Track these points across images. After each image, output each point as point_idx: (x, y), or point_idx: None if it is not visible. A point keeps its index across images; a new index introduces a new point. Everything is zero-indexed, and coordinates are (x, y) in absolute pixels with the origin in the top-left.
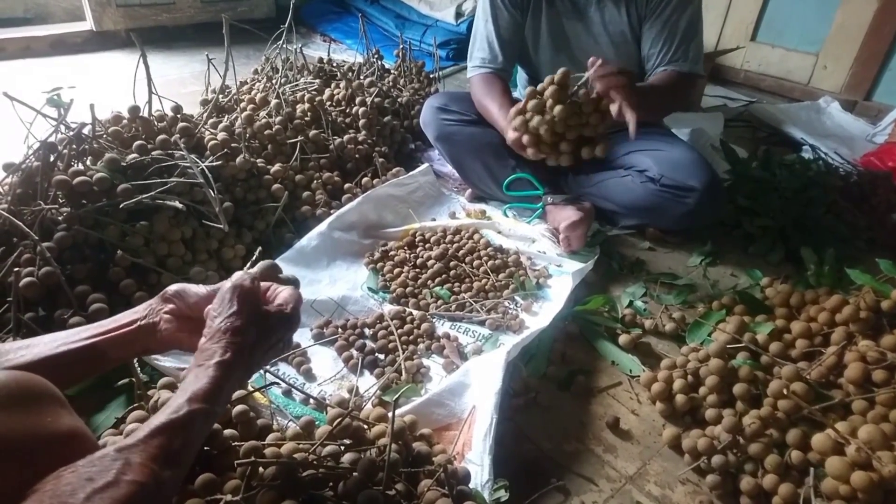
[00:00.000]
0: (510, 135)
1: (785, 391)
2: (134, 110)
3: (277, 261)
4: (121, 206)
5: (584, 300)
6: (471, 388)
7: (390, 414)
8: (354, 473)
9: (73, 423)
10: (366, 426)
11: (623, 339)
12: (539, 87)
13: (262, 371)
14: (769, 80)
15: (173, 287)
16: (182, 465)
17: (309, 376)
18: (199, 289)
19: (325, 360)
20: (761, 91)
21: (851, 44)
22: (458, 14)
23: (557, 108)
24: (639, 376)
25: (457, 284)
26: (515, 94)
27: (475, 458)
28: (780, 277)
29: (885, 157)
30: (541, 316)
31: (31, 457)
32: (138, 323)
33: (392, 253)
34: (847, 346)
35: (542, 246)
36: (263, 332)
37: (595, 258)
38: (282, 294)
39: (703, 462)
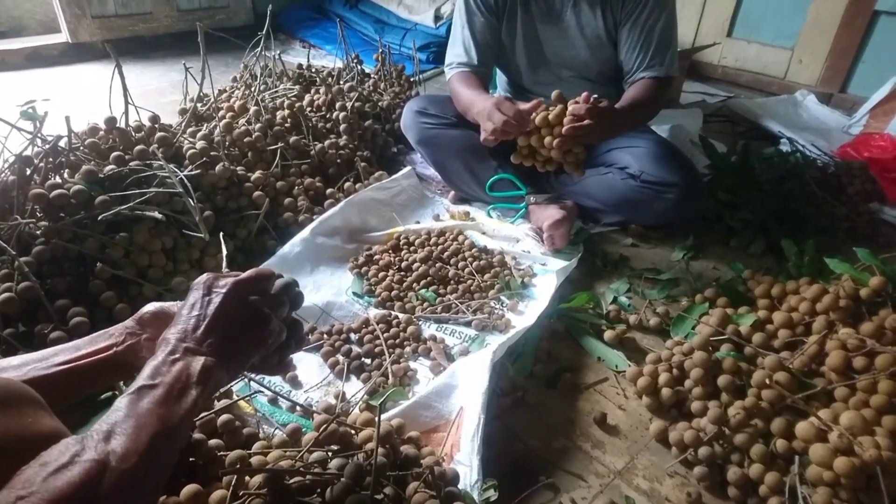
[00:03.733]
0: (488, 111)
1: (768, 381)
2: (110, 121)
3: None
4: (99, 218)
5: (569, 298)
6: (458, 389)
7: (377, 418)
8: (342, 479)
9: (54, 425)
10: (353, 431)
11: (608, 335)
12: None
13: (246, 380)
14: (746, 75)
15: (149, 309)
16: (160, 449)
17: (295, 384)
18: (175, 306)
19: (311, 367)
20: (739, 86)
21: (825, 37)
22: (437, 17)
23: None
24: (625, 371)
25: (442, 286)
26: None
27: (464, 459)
28: (761, 269)
29: (861, 147)
30: (526, 315)
31: (16, 457)
32: (114, 349)
33: (376, 257)
34: (828, 335)
35: (526, 245)
36: (234, 308)
37: (579, 256)
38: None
39: (690, 454)
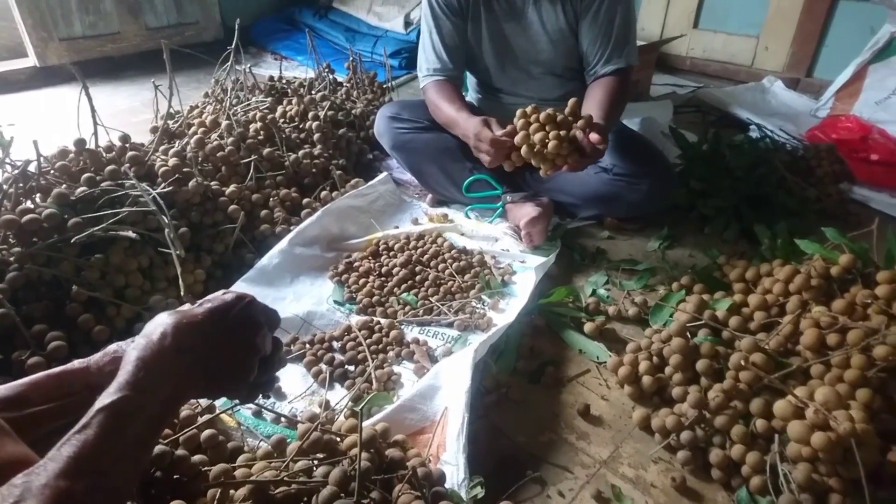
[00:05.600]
0: (472, 139)
1: (744, 363)
2: (80, 143)
3: (239, 282)
4: (73, 240)
5: (549, 293)
6: (441, 389)
7: (362, 424)
8: (327, 486)
9: (19, 450)
10: (338, 438)
11: (588, 327)
12: (532, 126)
13: None
14: (714, 64)
15: (112, 347)
16: (106, 471)
17: (279, 395)
18: (129, 344)
19: (294, 378)
20: (708, 76)
21: (788, 24)
22: (407, 23)
23: (552, 145)
24: (606, 362)
25: (423, 289)
26: (468, 99)
27: (450, 459)
28: (736, 254)
29: (829, 130)
30: (508, 313)
31: None
32: (83, 391)
33: (356, 264)
34: (801, 314)
35: (505, 244)
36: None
37: (557, 251)
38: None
39: (673, 439)
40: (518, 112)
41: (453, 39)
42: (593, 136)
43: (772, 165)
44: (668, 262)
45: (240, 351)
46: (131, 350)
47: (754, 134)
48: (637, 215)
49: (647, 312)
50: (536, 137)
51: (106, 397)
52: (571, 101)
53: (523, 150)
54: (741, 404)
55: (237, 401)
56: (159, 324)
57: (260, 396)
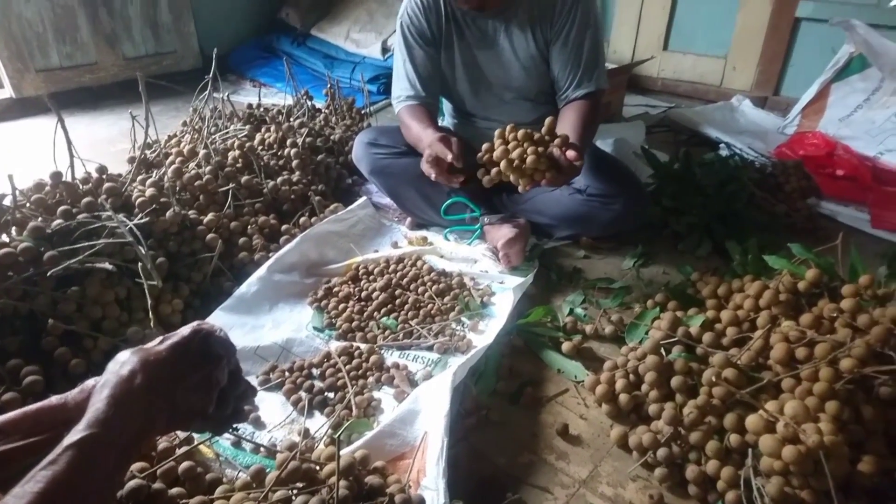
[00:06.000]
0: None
1: (715, 378)
2: (56, 176)
3: (217, 310)
4: (48, 273)
5: (527, 313)
6: (421, 414)
7: (341, 452)
8: None
9: None
10: (317, 467)
11: (566, 346)
12: (511, 143)
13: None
14: (685, 85)
15: (90, 383)
16: None
17: (258, 424)
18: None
19: (273, 406)
20: (679, 96)
21: (755, 44)
22: (385, 49)
23: (531, 159)
24: (584, 381)
25: (403, 313)
26: (443, 124)
27: (430, 484)
28: (709, 270)
29: (796, 146)
30: (487, 334)
31: None
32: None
33: (336, 289)
34: (771, 329)
35: (483, 265)
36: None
37: (534, 271)
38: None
39: (650, 456)
40: (496, 132)
41: (426, 68)
42: (570, 154)
43: (741, 182)
44: (643, 279)
45: (201, 384)
46: (100, 387)
47: (724, 152)
48: (612, 234)
49: (623, 330)
50: (515, 153)
51: (75, 434)
52: (548, 120)
53: (503, 164)
54: (715, 420)
55: (209, 433)
56: (126, 361)
57: (233, 427)
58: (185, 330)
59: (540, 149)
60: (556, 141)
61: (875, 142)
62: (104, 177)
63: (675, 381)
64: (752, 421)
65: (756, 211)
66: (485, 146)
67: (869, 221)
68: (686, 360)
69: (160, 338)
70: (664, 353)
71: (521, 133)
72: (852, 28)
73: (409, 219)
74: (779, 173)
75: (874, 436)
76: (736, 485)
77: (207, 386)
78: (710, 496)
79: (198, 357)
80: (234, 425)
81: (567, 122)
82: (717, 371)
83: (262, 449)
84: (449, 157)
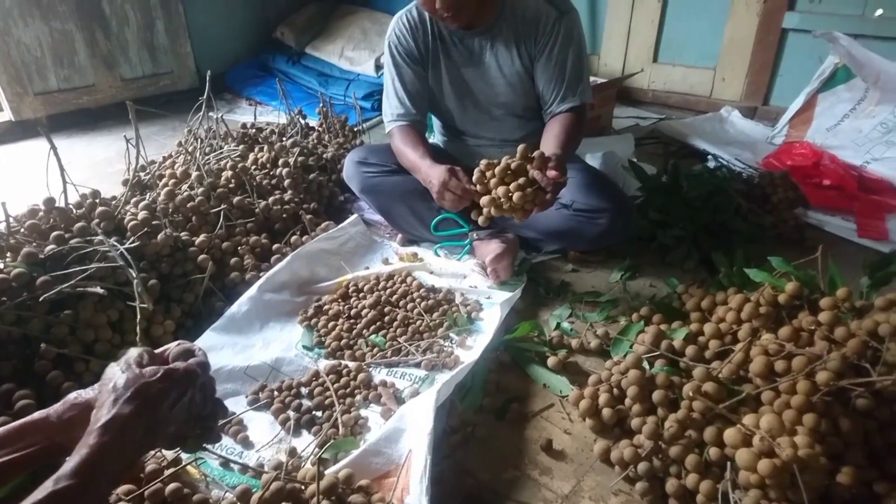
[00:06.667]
0: (436, 189)
1: (692, 392)
2: (49, 202)
3: (209, 331)
4: (41, 298)
5: (514, 328)
6: (406, 432)
7: (327, 471)
8: None
9: None
10: (302, 486)
11: (551, 360)
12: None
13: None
14: (675, 96)
15: (72, 396)
16: None
17: (247, 444)
18: (88, 392)
19: (262, 426)
20: (670, 107)
21: (743, 55)
22: (378, 66)
23: (517, 196)
24: (568, 396)
25: (392, 330)
26: (433, 141)
27: (413, 501)
28: (696, 283)
29: (784, 156)
30: (474, 349)
31: None
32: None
33: (326, 307)
34: (752, 342)
35: (473, 281)
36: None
37: (522, 286)
38: (172, 351)
39: (632, 471)
40: (476, 174)
41: (415, 86)
42: (551, 173)
43: (728, 194)
44: (630, 292)
45: (183, 406)
46: (89, 436)
47: (712, 164)
48: (599, 248)
49: (608, 344)
50: (499, 192)
51: (62, 480)
52: (520, 148)
53: (492, 210)
54: (695, 433)
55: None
56: (121, 387)
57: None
58: (173, 351)
59: (521, 180)
60: (535, 164)
61: (862, 151)
62: (97, 201)
63: (657, 395)
64: (729, 435)
65: (743, 222)
66: (469, 187)
67: (856, 231)
68: (668, 374)
69: (147, 355)
70: (647, 367)
71: (498, 169)
72: (835, 40)
73: (399, 235)
74: (766, 184)
75: (853, 447)
76: (715, 498)
77: (188, 407)
78: None
79: (183, 380)
80: (206, 444)
81: (550, 135)
82: (698, 385)
83: (249, 469)
84: (465, 184)
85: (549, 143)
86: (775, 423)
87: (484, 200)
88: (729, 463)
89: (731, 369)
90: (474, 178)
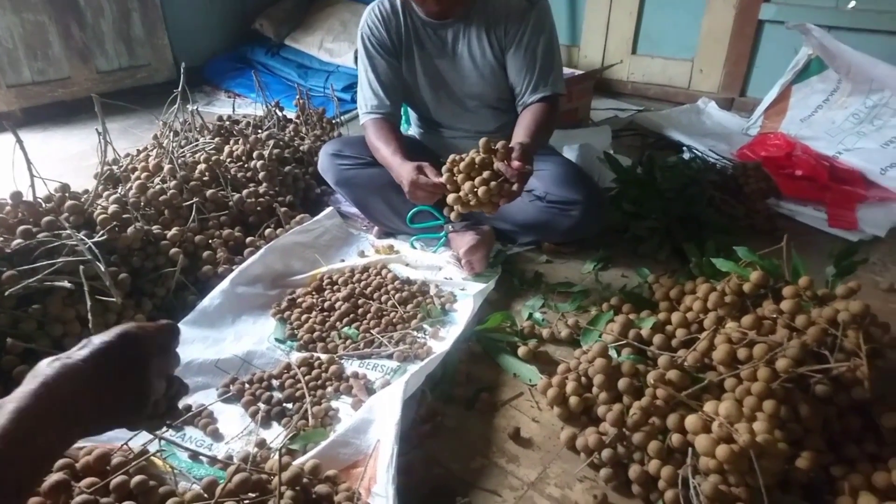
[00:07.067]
0: (407, 185)
1: (653, 380)
2: (15, 196)
3: (180, 324)
4: (7, 293)
5: (485, 319)
6: (375, 423)
7: (294, 462)
8: None
9: None
10: (268, 477)
11: (521, 350)
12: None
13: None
14: (654, 88)
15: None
16: None
17: (216, 436)
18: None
19: (232, 418)
20: (649, 99)
21: (720, 47)
22: (358, 58)
23: (482, 191)
24: (537, 384)
25: (365, 322)
26: (410, 132)
27: (380, 491)
28: (665, 273)
29: (758, 147)
30: (447, 340)
31: None
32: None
33: (299, 300)
34: (717, 330)
35: (448, 272)
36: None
37: (496, 277)
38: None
39: (596, 457)
40: (444, 174)
41: (388, 77)
42: (515, 164)
43: (701, 185)
44: (602, 283)
45: (133, 387)
46: (8, 402)
47: (687, 155)
48: (573, 239)
49: (579, 334)
50: (466, 188)
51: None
52: (482, 142)
53: (460, 207)
54: (659, 420)
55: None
56: (39, 373)
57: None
58: (108, 335)
59: (486, 174)
60: (498, 155)
61: (835, 141)
62: (67, 194)
63: (622, 384)
64: (690, 421)
65: (716, 213)
66: (437, 182)
67: (826, 221)
68: (634, 363)
69: (83, 341)
70: (615, 356)
71: (463, 165)
72: (808, 31)
73: (376, 228)
74: (739, 175)
75: (812, 433)
76: (676, 484)
77: (139, 389)
78: (652, 495)
79: (125, 361)
80: (168, 422)
81: (521, 126)
82: (661, 373)
83: (218, 461)
84: (434, 180)
85: (518, 133)
86: (733, 410)
87: (450, 199)
88: (690, 449)
89: (696, 357)
90: (443, 176)
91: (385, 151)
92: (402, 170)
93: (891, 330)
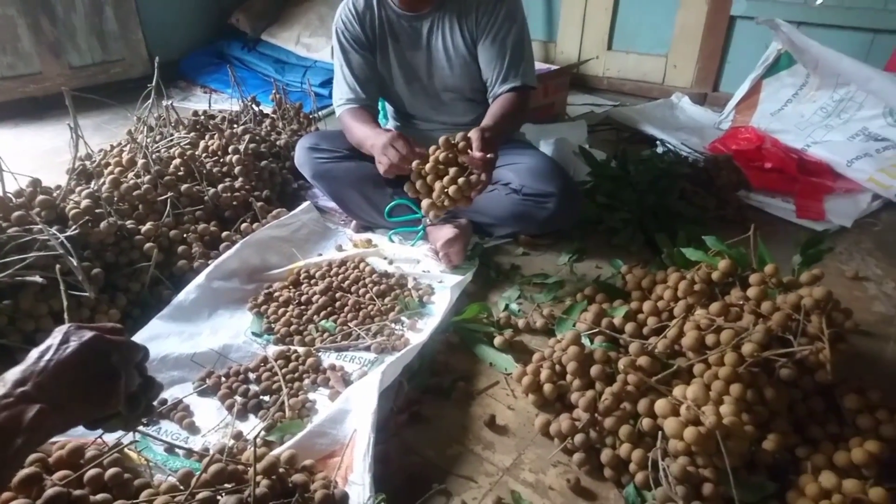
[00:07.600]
0: (380, 148)
1: (623, 366)
2: None
3: (155, 319)
4: None
5: (462, 310)
6: (351, 413)
7: (271, 452)
8: None
9: None
10: (244, 467)
11: (498, 340)
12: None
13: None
14: (629, 83)
15: None
16: None
17: (192, 429)
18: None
19: (208, 412)
20: (624, 94)
21: (693, 43)
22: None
23: (452, 190)
24: (512, 373)
25: (343, 315)
26: (387, 127)
27: (356, 479)
28: (637, 264)
29: (729, 141)
30: (424, 332)
31: None
32: None
33: (276, 294)
34: (686, 318)
35: (426, 265)
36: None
37: (474, 270)
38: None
39: (570, 443)
40: (418, 183)
41: (363, 71)
42: (476, 154)
43: (673, 178)
44: (577, 274)
45: (102, 390)
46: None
47: (660, 149)
48: (548, 232)
49: (553, 323)
50: (437, 189)
51: None
52: (441, 140)
53: (436, 210)
54: (630, 405)
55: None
56: (7, 381)
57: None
58: (71, 345)
59: (453, 170)
60: (460, 146)
61: (804, 134)
62: (38, 189)
63: (594, 370)
64: (660, 405)
65: (687, 205)
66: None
67: (794, 212)
68: (606, 350)
69: (42, 348)
70: (588, 344)
71: (429, 166)
72: (777, 27)
73: (354, 222)
74: (710, 168)
75: (778, 415)
76: (646, 466)
77: (108, 392)
78: (623, 478)
79: (94, 368)
80: (144, 419)
81: (488, 115)
82: (632, 359)
83: (193, 454)
84: (412, 146)
85: (484, 121)
86: (700, 393)
87: (425, 205)
88: (660, 432)
89: (666, 344)
90: (418, 185)
91: (360, 129)
92: (378, 138)
93: (853, 315)
